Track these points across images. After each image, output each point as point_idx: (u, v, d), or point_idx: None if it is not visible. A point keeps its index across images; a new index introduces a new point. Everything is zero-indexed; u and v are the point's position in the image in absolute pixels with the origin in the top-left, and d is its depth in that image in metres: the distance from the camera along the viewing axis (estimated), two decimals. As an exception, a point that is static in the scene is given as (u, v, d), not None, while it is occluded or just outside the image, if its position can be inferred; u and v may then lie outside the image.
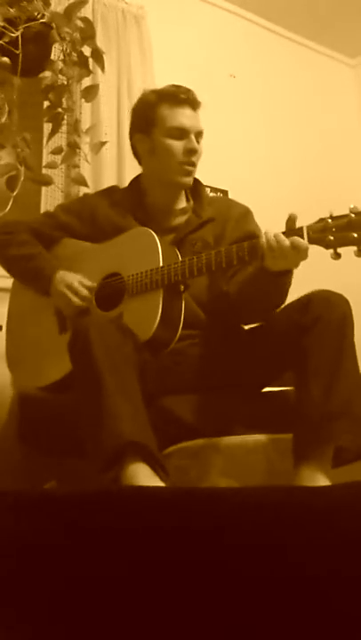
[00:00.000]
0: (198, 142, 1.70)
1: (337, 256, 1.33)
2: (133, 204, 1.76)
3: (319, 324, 1.40)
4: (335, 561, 0.70)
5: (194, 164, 1.70)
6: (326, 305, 1.42)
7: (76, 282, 1.64)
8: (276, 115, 3.52)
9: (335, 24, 3.60)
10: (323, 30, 3.68)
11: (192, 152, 1.68)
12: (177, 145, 1.68)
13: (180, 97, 1.69)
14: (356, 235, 1.30)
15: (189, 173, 1.71)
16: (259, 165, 3.34)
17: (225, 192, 3.16)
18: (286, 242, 1.36)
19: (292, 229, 1.39)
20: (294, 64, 3.69)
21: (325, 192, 3.47)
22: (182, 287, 1.55)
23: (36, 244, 1.76)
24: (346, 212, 1.34)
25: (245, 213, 1.76)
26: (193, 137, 1.68)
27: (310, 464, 1.32)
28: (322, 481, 1.30)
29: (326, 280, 1.38)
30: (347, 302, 1.44)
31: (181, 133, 1.67)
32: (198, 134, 1.70)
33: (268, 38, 3.64)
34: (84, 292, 1.62)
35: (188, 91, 1.71)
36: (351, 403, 1.36)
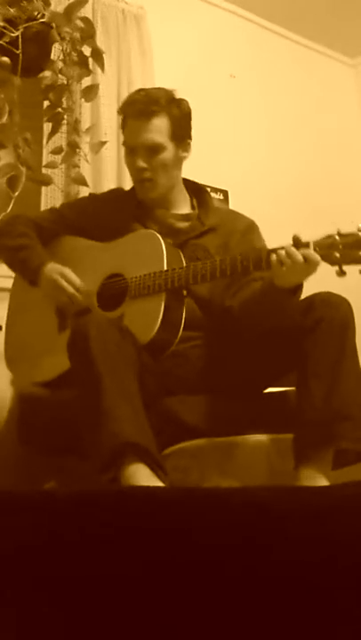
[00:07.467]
0: (155, 154, 1.63)
1: (342, 273, 1.33)
2: (135, 206, 1.76)
3: (321, 326, 1.40)
4: (336, 561, 0.70)
5: (144, 180, 1.66)
6: (328, 307, 1.42)
7: (67, 270, 1.65)
8: (276, 115, 3.52)
9: (335, 24, 3.60)
10: (323, 30, 3.67)
11: (138, 170, 1.65)
12: (129, 161, 1.68)
13: (129, 109, 1.64)
14: None
15: (146, 190, 1.68)
16: (259, 166, 3.33)
17: (225, 192, 3.16)
18: (299, 255, 1.35)
19: (298, 244, 1.38)
20: (294, 64, 3.69)
21: (325, 192, 3.47)
22: (185, 292, 1.55)
23: (31, 237, 1.76)
24: (353, 229, 1.34)
25: (251, 227, 1.74)
26: (139, 154, 1.63)
27: (310, 465, 1.32)
28: (322, 482, 1.30)
29: (327, 282, 1.38)
30: (348, 304, 1.44)
31: (130, 150, 1.66)
32: (149, 148, 1.63)
33: (268, 38, 3.64)
34: (77, 281, 1.63)
35: (142, 98, 1.63)
36: (352, 405, 1.36)
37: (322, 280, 1.40)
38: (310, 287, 1.50)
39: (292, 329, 1.46)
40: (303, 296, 1.49)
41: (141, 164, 1.63)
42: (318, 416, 1.34)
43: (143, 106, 1.62)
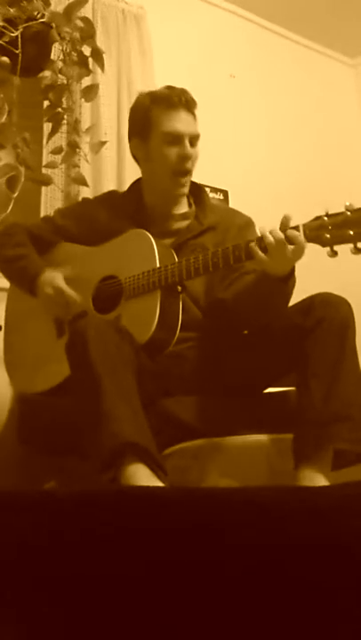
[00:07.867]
0: (194, 145, 1.66)
1: (334, 254, 1.33)
2: (133, 208, 1.75)
3: (321, 327, 1.40)
4: (336, 560, 0.70)
5: (188, 172, 1.67)
6: (328, 307, 1.42)
7: (61, 282, 1.65)
8: (276, 115, 3.52)
9: (335, 24, 3.59)
10: (323, 30, 3.67)
11: (185, 158, 1.64)
12: (171, 151, 1.64)
13: (174, 100, 1.63)
14: (352, 232, 1.30)
15: (183, 184, 1.68)
16: (259, 165, 3.33)
17: (225, 192, 3.16)
18: (281, 234, 1.35)
19: (288, 228, 1.38)
20: (294, 64, 3.69)
21: (325, 192, 3.46)
22: (180, 288, 1.55)
23: (27, 247, 1.77)
24: (342, 209, 1.34)
25: (248, 223, 1.74)
26: (187, 142, 1.64)
27: (310, 465, 1.32)
28: (321, 482, 1.30)
29: (325, 280, 1.38)
30: (349, 305, 1.44)
31: (175, 139, 1.63)
32: (193, 138, 1.65)
33: (268, 38, 3.64)
34: (71, 292, 1.63)
35: (182, 92, 1.66)
36: (352, 405, 1.36)
37: (321, 279, 1.40)
38: (310, 286, 1.50)
39: (291, 329, 1.46)
40: (303, 298, 1.49)
41: (190, 150, 1.65)
42: (318, 416, 1.34)
43: (187, 100, 1.66)
